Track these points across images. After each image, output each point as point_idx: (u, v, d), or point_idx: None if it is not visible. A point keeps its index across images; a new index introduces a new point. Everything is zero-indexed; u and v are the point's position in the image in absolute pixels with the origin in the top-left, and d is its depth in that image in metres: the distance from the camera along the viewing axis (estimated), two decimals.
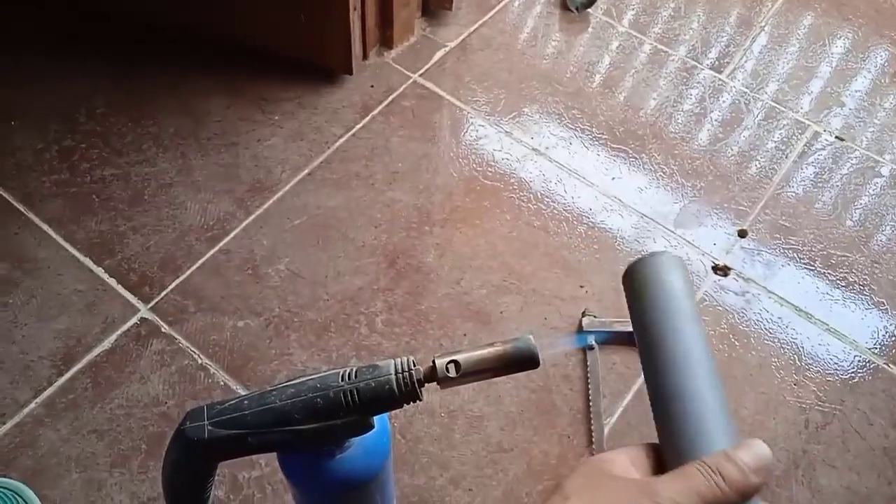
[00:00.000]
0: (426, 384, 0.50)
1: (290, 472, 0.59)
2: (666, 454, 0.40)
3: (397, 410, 0.88)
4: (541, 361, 0.48)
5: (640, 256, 0.44)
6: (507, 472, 0.87)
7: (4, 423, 0.88)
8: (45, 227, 1.04)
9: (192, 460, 0.52)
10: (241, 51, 1.24)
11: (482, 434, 0.90)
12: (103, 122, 1.16)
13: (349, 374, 0.50)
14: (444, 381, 0.49)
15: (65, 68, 1.22)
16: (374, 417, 0.53)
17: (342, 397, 0.49)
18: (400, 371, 0.49)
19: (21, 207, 1.06)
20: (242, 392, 0.90)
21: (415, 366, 0.50)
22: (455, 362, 0.48)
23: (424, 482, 0.86)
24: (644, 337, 0.43)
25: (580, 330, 0.97)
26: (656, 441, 0.42)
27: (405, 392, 0.49)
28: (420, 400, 0.50)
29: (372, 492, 0.63)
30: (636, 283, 0.44)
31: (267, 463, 0.86)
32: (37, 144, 1.13)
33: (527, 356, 0.48)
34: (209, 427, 0.50)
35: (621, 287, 0.45)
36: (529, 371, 0.96)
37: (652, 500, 0.36)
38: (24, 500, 0.81)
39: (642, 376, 0.43)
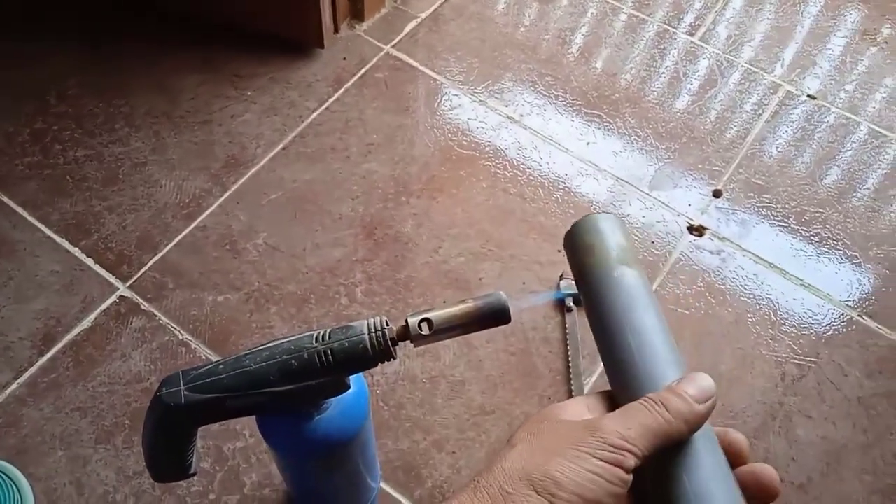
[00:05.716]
0: (399, 343, 0.50)
1: (269, 436, 0.60)
2: (618, 399, 0.40)
3: (379, 377, 0.90)
4: (512, 316, 0.49)
5: (576, 220, 0.47)
6: (489, 433, 0.88)
7: None
8: (19, 209, 1.04)
9: (170, 426, 0.53)
10: (212, 27, 1.23)
11: (464, 398, 0.91)
12: (74, 103, 1.15)
13: (323, 335, 0.50)
14: (418, 339, 0.49)
15: (33, 49, 1.20)
16: (351, 378, 0.53)
17: (316, 358, 0.50)
18: (373, 330, 0.50)
19: None
20: None
21: (388, 325, 0.50)
22: (427, 320, 0.49)
23: (408, 447, 0.87)
24: (587, 292, 0.45)
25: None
26: None
27: (378, 351, 0.49)
28: (394, 358, 0.50)
29: (352, 453, 0.64)
30: (574, 244, 0.47)
31: (251, 434, 0.86)
32: (8, 127, 1.11)
33: (498, 311, 0.49)
34: (185, 392, 0.51)
35: None
36: (510, 335, 0.97)
37: (596, 436, 0.36)
38: (9, 478, 0.81)
39: None
